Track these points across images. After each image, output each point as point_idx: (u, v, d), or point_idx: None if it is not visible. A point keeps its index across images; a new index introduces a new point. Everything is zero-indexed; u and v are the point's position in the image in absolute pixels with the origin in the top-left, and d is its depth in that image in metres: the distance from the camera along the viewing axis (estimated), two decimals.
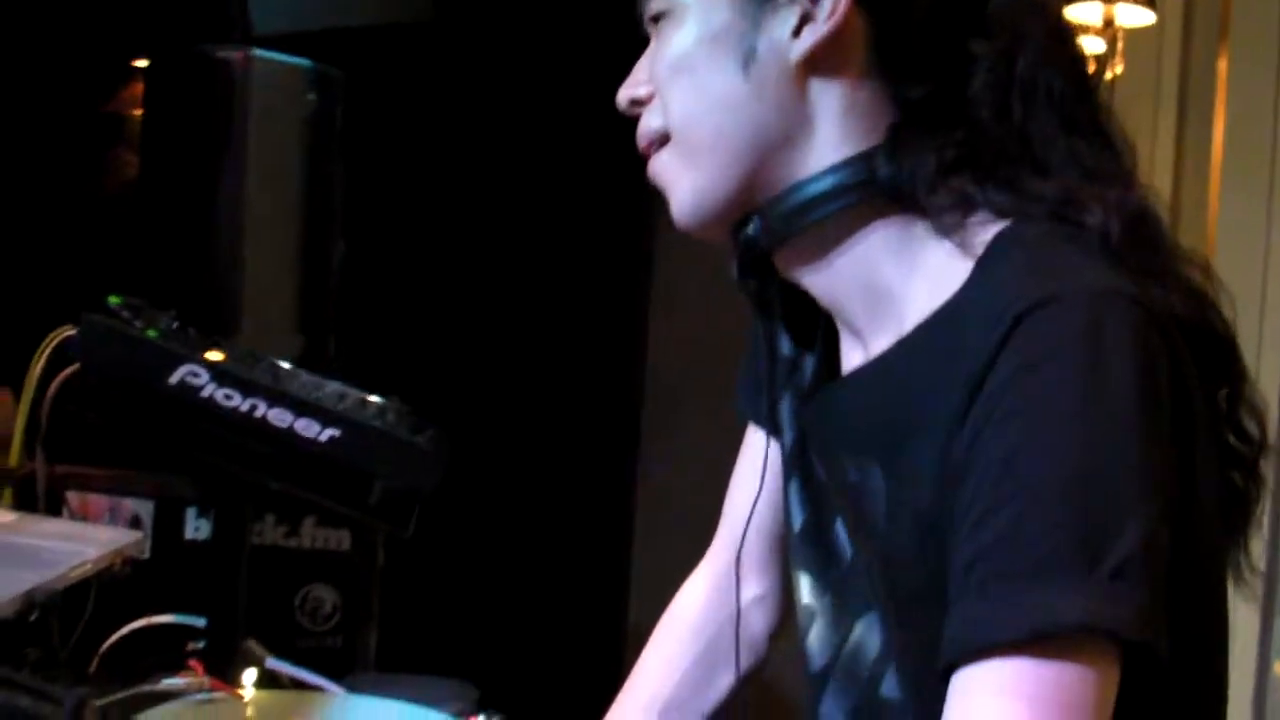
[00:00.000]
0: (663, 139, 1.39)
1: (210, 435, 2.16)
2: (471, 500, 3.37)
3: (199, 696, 2.06)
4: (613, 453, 3.73)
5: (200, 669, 2.08)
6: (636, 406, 3.78)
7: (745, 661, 1.62)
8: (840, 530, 1.39)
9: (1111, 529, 1.14)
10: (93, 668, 2.14)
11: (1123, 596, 1.13)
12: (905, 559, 1.29)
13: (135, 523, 2.48)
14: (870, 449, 1.33)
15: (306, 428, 2.11)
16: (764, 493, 1.54)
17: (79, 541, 1.61)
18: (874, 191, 1.31)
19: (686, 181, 1.38)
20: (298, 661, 2.28)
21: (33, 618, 1.40)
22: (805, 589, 1.45)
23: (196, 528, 2.47)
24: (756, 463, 1.59)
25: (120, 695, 1.94)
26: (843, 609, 1.40)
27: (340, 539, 2.47)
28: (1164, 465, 1.18)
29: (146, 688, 2.02)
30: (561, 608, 3.53)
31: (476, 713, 2.04)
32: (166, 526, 2.45)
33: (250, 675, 2.10)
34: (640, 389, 3.76)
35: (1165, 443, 1.19)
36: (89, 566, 1.54)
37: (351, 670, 2.42)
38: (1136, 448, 1.16)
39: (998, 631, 1.13)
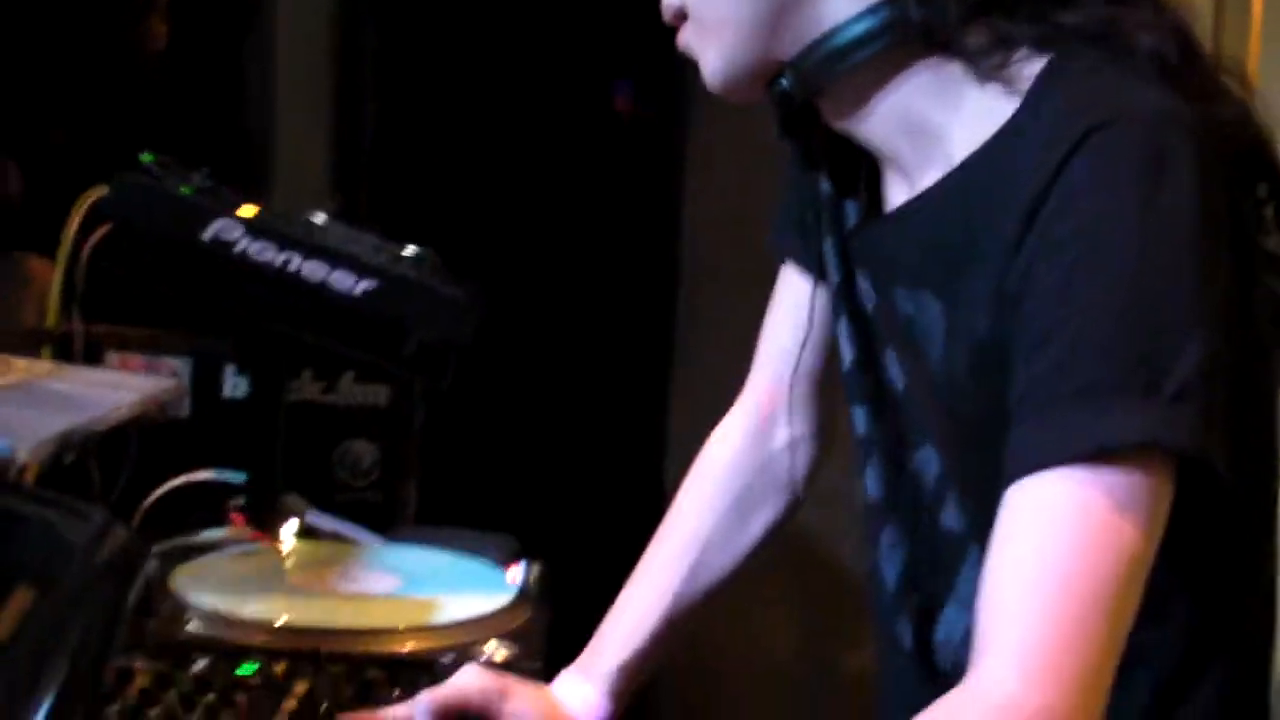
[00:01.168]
0: (683, 14, 1.38)
1: (245, 290, 2.16)
2: (509, 356, 3.37)
3: (240, 548, 2.08)
4: (650, 307, 3.71)
5: (241, 522, 2.10)
6: (674, 262, 3.75)
7: (783, 501, 1.63)
8: (892, 362, 1.39)
9: (1170, 349, 1.13)
10: (135, 523, 2.16)
11: (1182, 415, 1.13)
12: (961, 387, 1.29)
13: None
14: (923, 280, 1.32)
15: (341, 280, 2.11)
16: (803, 332, 1.53)
17: (116, 389, 1.61)
18: (907, 35, 1.29)
19: (711, 52, 1.37)
20: (338, 516, 2.30)
21: (68, 460, 1.40)
22: (861, 421, 1.45)
23: (234, 385, 2.47)
24: (792, 307, 1.58)
25: (162, 547, 1.95)
26: (899, 441, 1.40)
27: (378, 394, 2.46)
28: (1222, 287, 1.17)
29: (188, 540, 2.04)
30: (599, 463, 3.53)
31: (516, 562, 2.06)
32: (204, 385, 2.45)
33: (290, 527, 2.12)
34: (678, 244, 3.74)
35: (1223, 264, 1.18)
36: (125, 412, 1.55)
37: (391, 524, 2.42)
38: (1195, 269, 1.15)
39: (1056, 451, 1.13)
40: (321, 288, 2.10)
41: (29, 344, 2.38)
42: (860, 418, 1.45)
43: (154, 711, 1.52)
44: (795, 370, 1.56)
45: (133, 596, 0.83)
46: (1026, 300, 1.18)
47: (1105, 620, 1.12)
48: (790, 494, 1.63)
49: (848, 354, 1.45)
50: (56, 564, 0.76)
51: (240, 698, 1.58)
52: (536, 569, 2.05)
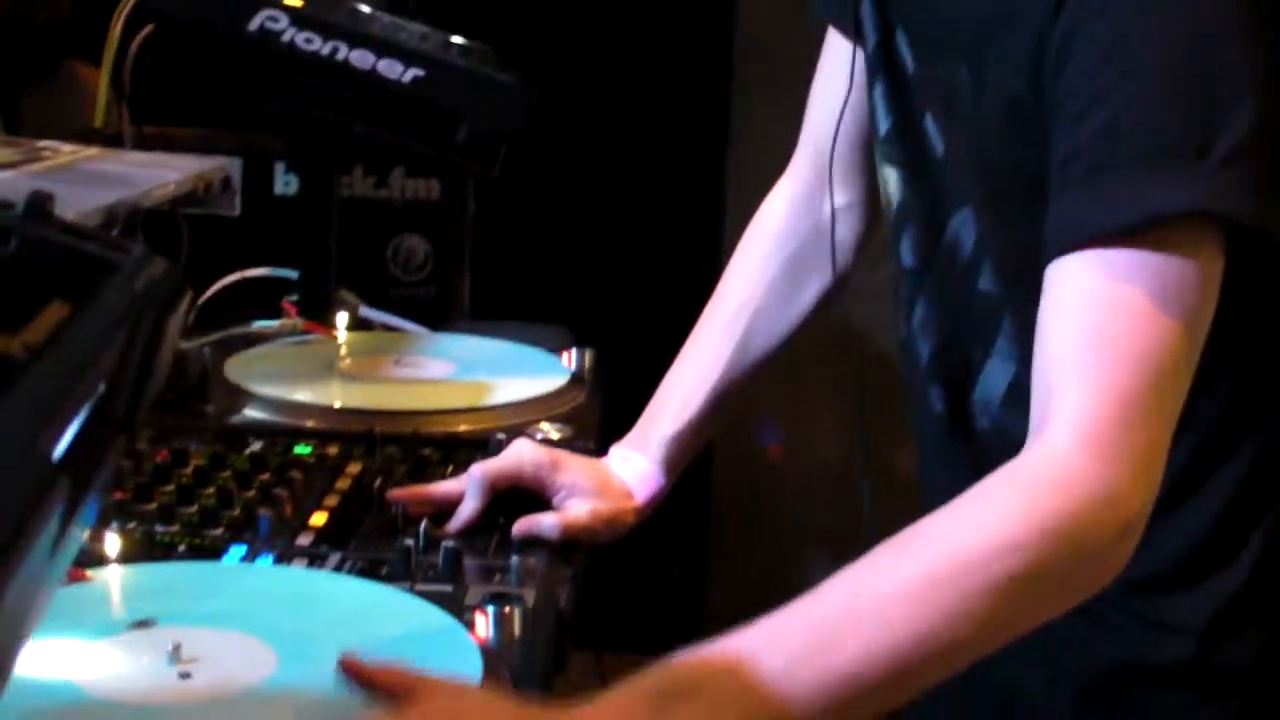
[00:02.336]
0: None
1: (293, 81, 2.14)
2: (560, 144, 3.33)
3: (294, 338, 2.09)
4: (705, 85, 3.63)
5: (294, 313, 2.10)
6: (729, 36, 3.67)
7: (831, 270, 1.60)
8: (930, 126, 1.36)
9: (1220, 115, 1.10)
10: (190, 319, 2.17)
11: (1234, 182, 1.10)
12: (997, 148, 1.26)
13: (224, 181, 2.47)
14: (960, 41, 1.29)
15: (389, 69, 2.08)
16: (849, 100, 1.50)
17: (163, 168, 1.59)
18: None
19: None
20: (391, 311, 2.30)
21: (115, 232, 1.39)
22: (896, 187, 1.42)
23: (286, 183, 2.46)
24: (834, 73, 1.55)
25: (216, 336, 1.96)
26: (936, 205, 1.37)
27: (430, 188, 2.45)
28: (1272, 52, 1.14)
29: (242, 330, 2.04)
30: (654, 253, 3.48)
31: (570, 349, 2.06)
32: (255, 183, 2.44)
33: (343, 318, 2.12)
34: (732, 18, 3.66)
35: (1272, 28, 1.14)
36: (173, 188, 1.54)
37: (445, 318, 2.42)
38: (1245, 33, 1.12)
39: (1103, 220, 1.11)
40: (369, 76, 2.07)
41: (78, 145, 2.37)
42: (895, 184, 1.43)
43: (208, 491, 1.53)
44: (837, 136, 1.53)
45: (173, 328, 0.82)
46: (1070, 65, 1.14)
47: (1162, 393, 1.10)
48: (839, 264, 1.60)
49: (884, 120, 1.42)
50: (94, 286, 0.75)
51: (295, 475, 1.59)
52: (590, 354, 2.05)
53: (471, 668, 1.16)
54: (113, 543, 1.37)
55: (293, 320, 2.07)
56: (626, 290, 3.34)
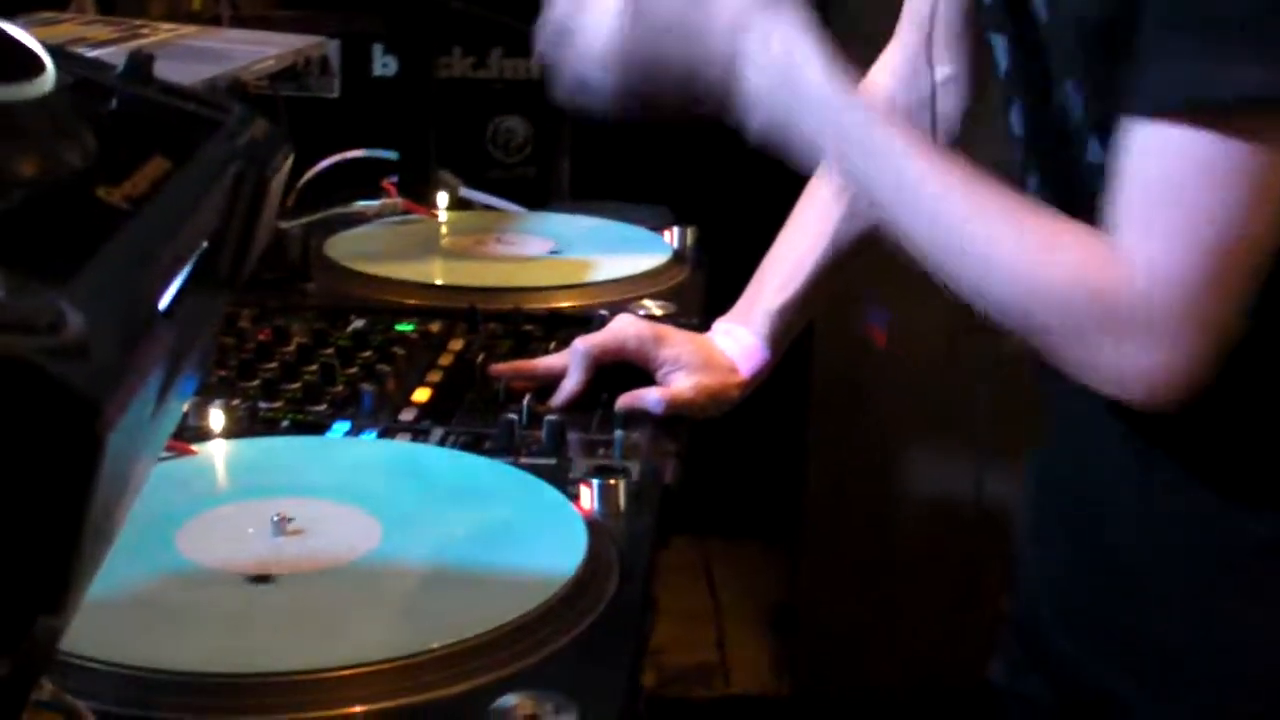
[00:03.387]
0: None
1: None
2: None
3: (394, 218, 2.08)
4: None
5: (394, 191, 2.09)
6: None
7: (940, 141, 1.57)
8: None
9: None
10: (290, 201, 2.16)
11: None
12: (1098, 12, 1.22)
13: (323, 63, 2.46)
14: None
15: None
16: None
17: (262, 45, 1.58)
18: None
19: None
20: (491, 192, 2.28)
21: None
22: (1002, 54, 1.38)
23: (384, 64, 2.44)
24: None
25: (316, 216, 1.95)
26: (1044, 75, 1.33)
27: (528, 68, 2.43)
28: None
29: (343, 210, 2.04)
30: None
31: (672, 227, 2.04)
32: (354, 65, 2.42)
33: (443, 199, 2.11)
34: None
35: None
36: (273, 63, 1.52)
37: (545, 199, 2.40)
38: None
39: (1165, 97, 1.07)
40: None
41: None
42: (1002, 53, 1.39)
43: (311, 368, 1.53)
44: (937, 4, 1.49)
45: (276, 188, 0.81)
46: None
47: (1239, 263, 1.07)
48: (946, 135, 1.56)
49: None
50: (195, 143, 0.74)
51: (398, 352, 1.58)
52: (692, 231, 2.03)
53: (576, 541, 1.15)
54: (216, 418, 1.37)
55: (393, 200, 2.06)
56: (728, 168, 3.30)
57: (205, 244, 0.71)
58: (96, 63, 0.83)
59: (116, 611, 1.01)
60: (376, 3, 2.41)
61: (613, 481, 1.25)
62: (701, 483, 1.61)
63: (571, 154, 2.53)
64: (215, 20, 2.36)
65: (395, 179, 2.18)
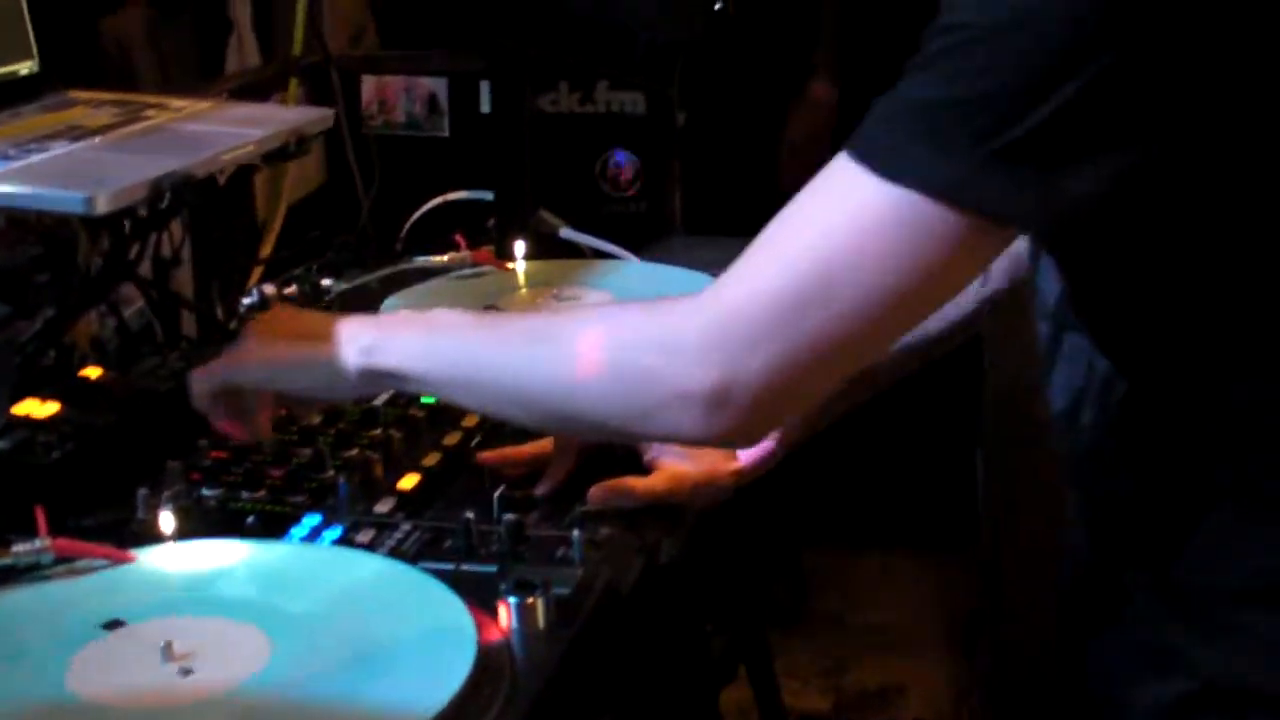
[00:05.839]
0: None
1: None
2: (771, 52, 3.15)
3: (462, 272, 2.00)
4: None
5: (463, 243, 2.01)
6: None
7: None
8: None
9: (1022, 98, 0.96)
10: (401, 239, 2.13)
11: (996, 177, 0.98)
12: None
13: (432, 101, 2.42)
14: None
15: None
16: None
17: (257, 125, 1.53)
18: None
19: None
20: (603, 228, 2.19)
21: (163, 204, 1.34)
22: None
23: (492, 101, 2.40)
24: None
25: (382, 273, 1.90)
26: None
27: (635, 101, 2.34)
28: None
29: (404, 266, 1.97)
30: None
31: None
32: (462, 102, 2.38)
33: (520, 247, 2.03)
34: None
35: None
36: (251, 148, 1.46)
37: (658, 235, 2.32)
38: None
39: (868, 152, 1.02)
40: None
41: (278, 79, 2.36)
42: None
43: (305, 450, 1.48)
44: None
45: None
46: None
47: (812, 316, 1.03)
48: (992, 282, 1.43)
49: None
50: None
51: (394, 434, 1.53)
52: None
53: (457, 668, 1.08)
54: (167, 521, 1.33)
55: (461, 254, 1.99)
56: None
57: None
58: None
59: None
60: (480, 41, 2.37)
61: (530, 600, 1.17)
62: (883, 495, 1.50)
63: (684, 187, 2.45)
64: (319, 66, 2.33)
65: (485, 224, 2.13)
